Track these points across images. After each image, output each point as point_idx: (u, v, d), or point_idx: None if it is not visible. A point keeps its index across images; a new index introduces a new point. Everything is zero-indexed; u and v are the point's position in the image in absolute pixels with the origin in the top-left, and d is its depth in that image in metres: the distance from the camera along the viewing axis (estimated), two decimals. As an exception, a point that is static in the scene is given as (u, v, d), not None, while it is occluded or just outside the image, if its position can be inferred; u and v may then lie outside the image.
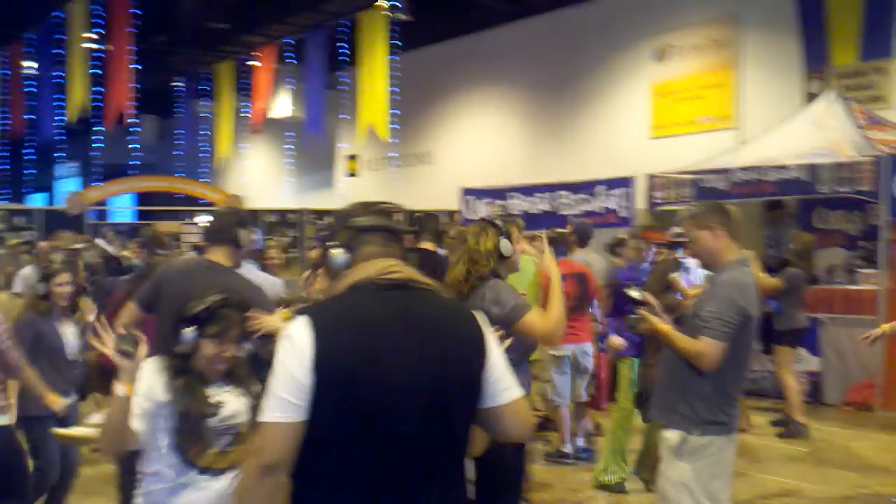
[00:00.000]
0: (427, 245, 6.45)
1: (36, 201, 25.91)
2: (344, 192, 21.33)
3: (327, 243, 2.53)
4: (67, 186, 26.32)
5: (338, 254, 2.48)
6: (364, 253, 2.46)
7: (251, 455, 2.31)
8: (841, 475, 7.33)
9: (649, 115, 15.37)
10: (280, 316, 4.30)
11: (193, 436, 3.22)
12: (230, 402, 3.37)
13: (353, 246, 2.48)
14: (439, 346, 2.35)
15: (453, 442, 2.40)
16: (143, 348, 3.20)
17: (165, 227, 15.80)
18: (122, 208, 23.58)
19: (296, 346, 2.26)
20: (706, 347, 3.93)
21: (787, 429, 8.61)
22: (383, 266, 2.40)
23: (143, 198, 21.56)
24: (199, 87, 21.58)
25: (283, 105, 20.92)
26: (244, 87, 20.21)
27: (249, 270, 6.05)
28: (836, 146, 9.85)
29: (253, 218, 16.70)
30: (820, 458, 7.88)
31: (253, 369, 3.80)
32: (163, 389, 3.23)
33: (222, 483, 3.26)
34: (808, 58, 12.98)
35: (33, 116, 20.54)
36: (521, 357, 4.35)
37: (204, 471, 3.25)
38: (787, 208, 11.86)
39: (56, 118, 19.21)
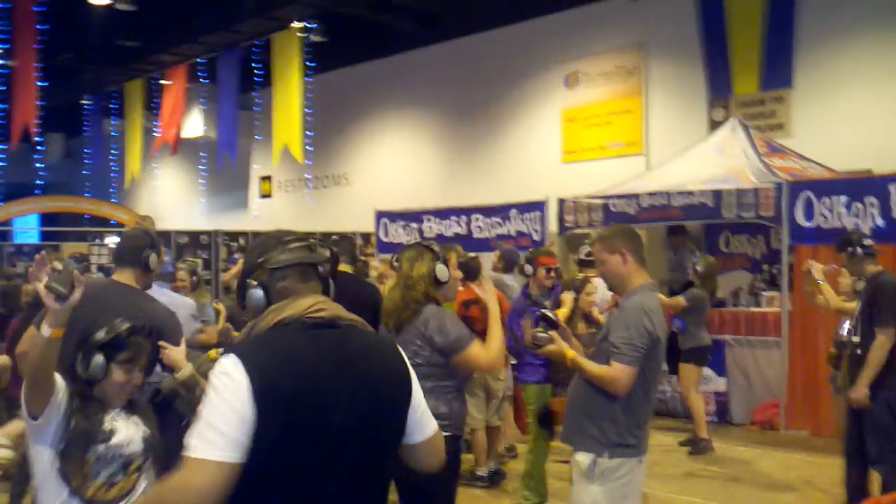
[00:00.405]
0: (344, 268, 6.47)
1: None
2: (258, 213, 21.14)
3: (246, 280, 2.47)
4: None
5: (256, 293, 2.43)
6: (285, 290, 2.43)
7: (170, 493, 2.20)
8: (748, 493, 7.54)
9: (560, 140, 15.63)
10: (208, 355, 4.26)
11: (78, 460, 3.16)
12: (122, 429, 3.32)
13: (272, 283, 2.44)
14: (370, 384, 2.37)
15: (381, 477, 2.44)
16: (78, 292, 2.90)
17: (72, 248, 15.45)
18: (27, 228, 22.92)
19: (234, 383, 2.20)
20: (618, 373, 4.00)
21: (695, 447, 8.84)
22: (309, 303, 2.37)
23: (49, 218, 20.98)
24: (109, 106, 21.17)
25: (195, 125, 20.65)
26: (155, 107, 19.91)
27: (160, 292, 5.97)
28: (739, 172, 10.19)
29: (164, 239, 16.45)
30: (728, 477, 8.09)
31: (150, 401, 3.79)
32: (60, 409, 3.18)
33: None
34: (712, 86, 13.41)
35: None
36: (459, 385, 4.41)
37: (91, 502, 3.19)
38: (688, 233, 12.21)
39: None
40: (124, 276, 4.40)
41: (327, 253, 2.56)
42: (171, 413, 3.94)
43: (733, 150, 10.78)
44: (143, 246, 4.39)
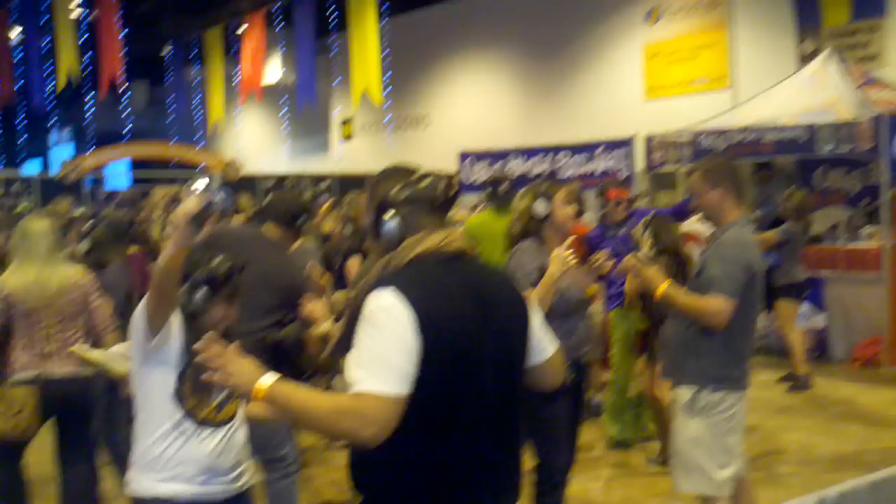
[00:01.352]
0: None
1: (31, 168, 25.68)
2: (339, 156, 21.29)
3: (381, 215, 2.49)
4: (61, 153, 26.11)
5: (391, 225, 2.45)
6: (418, 223, 2.45)
7: (345, 417, 2.20)
8: (851, 430, 7.44)
9: (643, 77, 15.39)
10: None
11: (198, 384, 3.19)
12: None
13: (406, 216, 2.45)
14: (501, 312, 2.44)
15: (517, 397, 2.50)
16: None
17: (162, 192, 15.77)
18: (117, 175, 23.42)
19: (397, 316, 2.24)
20: (717, 305, 3.98)
21: (794, 382, 8.77)
22: (441, 236, 2.42)
23: (139, 164, 21.43)
24: (190, 54, 21.39)
25: (274, 70, 20.78)
26: (234, 54, 20.05)
27: None
28: (834, 105, 9.90)
29: (249, 184, 16.72)
30: (831, 412, 8.00)
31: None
32: (178, 331, 3.27)
33: (219, 437, 3.31)
34: (801, 16, 12.98)
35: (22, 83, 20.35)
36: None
37: (202, 423, 3.28)
38: (777, 168, 11.96)
39: (46, 86, 19.04)
40: (273, 231, 4.57)
41: (443, 186, 2.55)
42: (286, 366, 3.98)
43: (827, 82, 10.45)
44: (298, 212, 4.58)
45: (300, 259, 5.02)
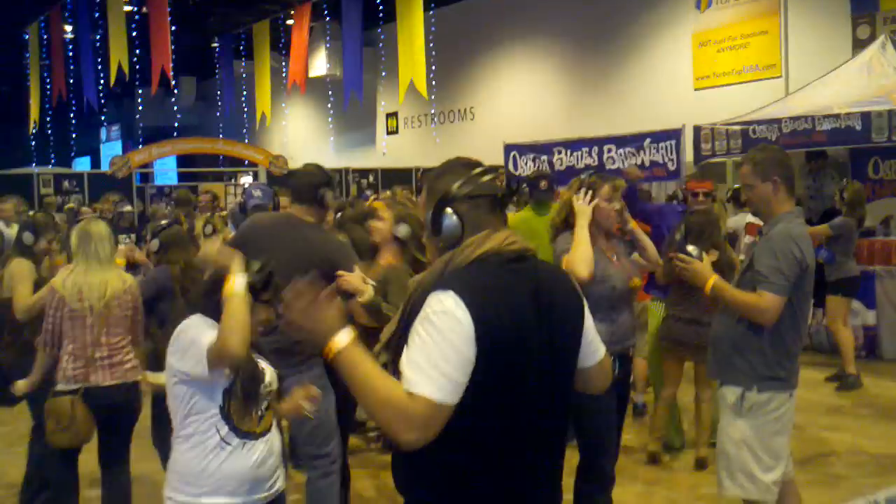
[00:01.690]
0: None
1: (81, 164, 26.14)
2: (385, 149, 21.30)
3: (442, 209, 2.39)
4: (111, 149, 26.54)
5: (452, 222, 2.36)
6: (479, 220, 2.38)
7: (390, 410, 2.16)
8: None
9: (692, 66, 15.15)
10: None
11: (246, 399, 3.25)
12: (266, 368, 3.45)
13: (468, 213, 2.37)
14: (559, 315, 2.39)
15: (566, 402, 2.48)
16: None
17: (208, 188, 15.95)
18: (166, 170, 23.73)
19: (458, 323, 2.18)
20: (766, 302, 3.85)
21: (842, 382, 8.54)
22: (504, 236, 2.36)
23: (186, 160, 21.65)
24: (238, 47, 21.54)
25: (320, 63, 20.85)
26: (283, 47, 20.14)
27: None
28: (890, 93, 9.64)
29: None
30: (879, 413, 7.77)
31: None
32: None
33: (260, 448, 3.34)
34: (856, 1, 12.67)
35: (72, 80, 20.68)
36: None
37: (245, 435, 3.30)
38: (829, 158, 11.67)
39: (98, 82, 19.32)
40: (301, 211, 4.53)
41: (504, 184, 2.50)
42: None
43: (883, 70, 10.20)
44: (318, 183, 4.50)
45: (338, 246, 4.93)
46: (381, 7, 17.88)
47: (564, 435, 2.51)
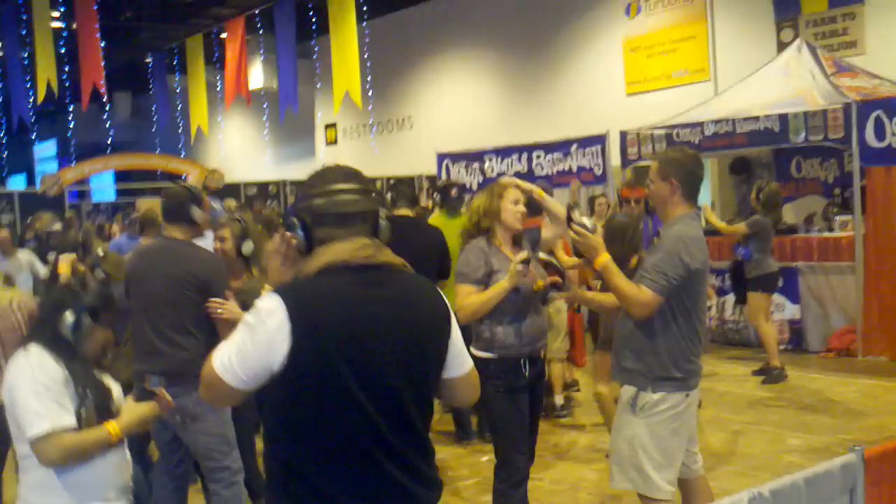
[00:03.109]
0: (403, 211, 6.57)
1: (16, 183, 25.66)
2: (324, 161, 21.22)
3: (289, 221, 2.51)
4: (47, 167, 26.12)
5: (297, 234, 2.46)
6: (326, 234, 2.45)
7: (205, 378, 2.42)
8: (822, 422, 7.38)
9: (623, 72, 15.34)
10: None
11: (99, 414, 3.25)
12: (111, 384, 3.46)
13: (314, 226, 2.46)
14: (409, 322, 2.45)
15: (424, 409, 2.52)
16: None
17: (146, 203, 15.77)
18: (103, 187, 23.42)
19: (271, 320, 2.30)
20: (641, 296, 3.91)
21: (768, 375, 8.70)
22: (353, 247, 2.41)
23: (124, 176, 21.41)
24: (172, 62, 21.36)
25: (256, 76, 20.75)
26: (217, 61, 20.03)
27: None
28: (806, 95, 9.84)
29: (234, 191, 16.69)
30: (802, 405, 7.94)
31: None
32: (60, 372, 3.23)
33: (119, 454, 3.35)
34: (779, 5, 12.97)
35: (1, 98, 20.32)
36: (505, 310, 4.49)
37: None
38: (754, 159, 11.89)
39: (28, 98, 19.01)
40: (173, 231, 4.60)
41: (367, 199, 2.51)
42: None
43: (799, 72, 10.40)
44: (185, 201, 4.56)
45: None
46: (314, 19, 17.88)
47: (423, 439, 2.52)
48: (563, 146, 11.64)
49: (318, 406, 2.32)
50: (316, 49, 18.74)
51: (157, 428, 4.45)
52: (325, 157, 21.34)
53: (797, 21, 12.81)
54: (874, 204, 9.39)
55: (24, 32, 18.53)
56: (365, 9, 16.77)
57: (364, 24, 17.01)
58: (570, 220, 4.18)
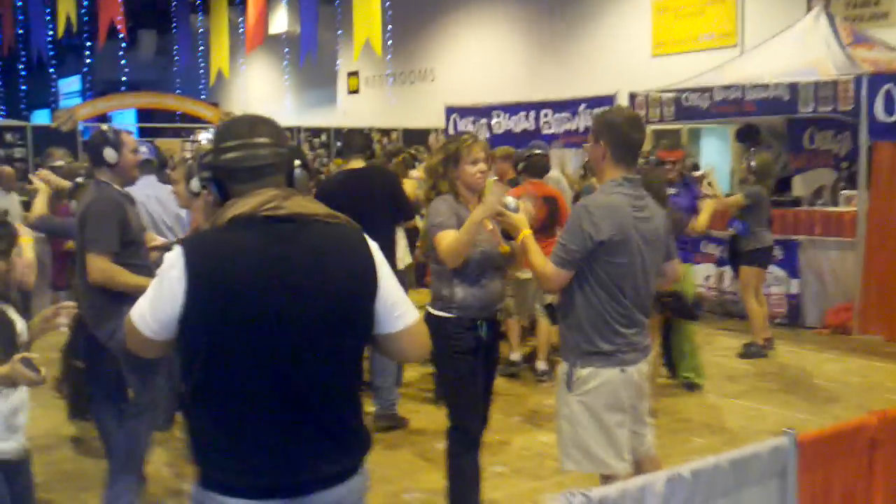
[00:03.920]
0: (354, 163, 6.47)
1: (40, 118, 25.76)
2: (345, 109, 21.14)
3: (201, 177, 2.51)
4: (71, 103, 26.21)
5: (204, 187, 2.51)
6: (235, 187, 2.44)
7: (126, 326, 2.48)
8: (805, 400, 7.25)
9: (651, 33, 15.07)
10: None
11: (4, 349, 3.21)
12: (16, 318, 3.42)
13: (222, 179, 2.46)
14: (323, 274, 2.40)
15: (341, 368, 2.48)
16: None
17: (166, 143, 15.79)
18: (125, 125, 23.50)
19: (172, 272, 2.33)
20: (549, 271, 3.82)
21: (745, 350, 8.53)
22: (263, 199, 2.37)
23: (147, 116, 21.42)
24: (196, 2, 21.22)
25: (280, 20, 20.61)
26: (241, 2, 19.85)
27: (149, 184, 6.43)
28: (819, 64, 9.54)
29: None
30: (787, 381, 7.79)
31: None
32: None
33: (17, 396, 3.35)
34: (811, -29, 12.58)
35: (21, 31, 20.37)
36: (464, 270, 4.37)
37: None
38: (763, 130, 11.61)
39: (47, 33, 19.02)
40: (99, 174, 4.61)
41: (277, 151, 2.45)
42: None
43: (815, 41, 10.08)
44: (99, 144, 4.55)
45: None
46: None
47: (341, 393, 2.49)
48: (571, 105, 11.45)
49: (212, 357, 2.33)
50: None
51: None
52: (345, 105, 21.21)
53: (828, -12, 12.42)
54: (879, 180, 9.12)
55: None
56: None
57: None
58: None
